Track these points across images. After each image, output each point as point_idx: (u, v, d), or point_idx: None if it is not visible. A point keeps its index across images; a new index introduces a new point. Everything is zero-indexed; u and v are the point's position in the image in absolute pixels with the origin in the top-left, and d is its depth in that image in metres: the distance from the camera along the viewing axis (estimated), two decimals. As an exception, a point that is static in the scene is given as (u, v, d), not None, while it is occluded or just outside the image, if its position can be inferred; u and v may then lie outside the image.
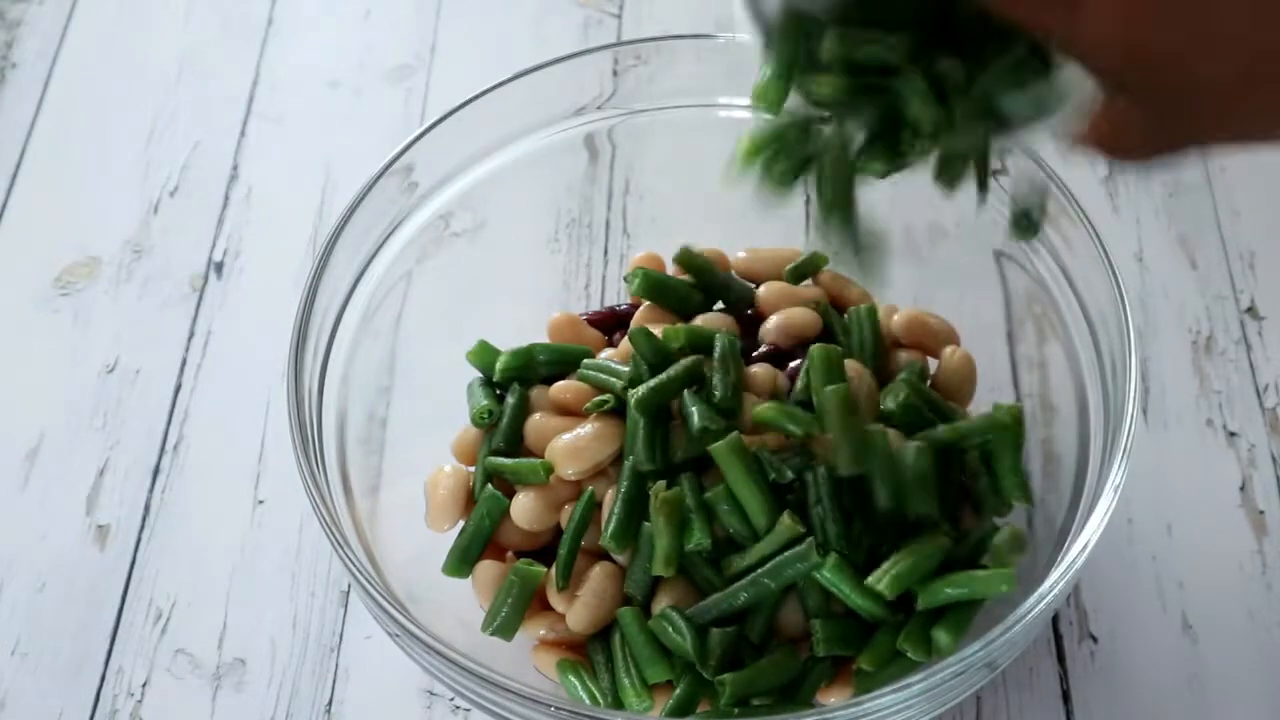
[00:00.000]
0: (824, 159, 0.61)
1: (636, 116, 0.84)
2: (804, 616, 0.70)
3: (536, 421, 0.75)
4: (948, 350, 0.79)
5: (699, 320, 0.79)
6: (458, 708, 0.78)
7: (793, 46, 0.59)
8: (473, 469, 0.77)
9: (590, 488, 0.73)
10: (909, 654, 0.68)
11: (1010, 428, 0.73)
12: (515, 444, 0.76)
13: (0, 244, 0.97)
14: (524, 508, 0.73)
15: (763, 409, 0.71)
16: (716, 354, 0.74)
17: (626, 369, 0.74)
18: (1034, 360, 0.80)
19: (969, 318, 0.82)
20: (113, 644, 0.80)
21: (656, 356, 0.74)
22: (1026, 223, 0.70)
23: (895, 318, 0.80)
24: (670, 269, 0.82)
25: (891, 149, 0.60)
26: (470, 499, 0.76)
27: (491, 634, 0.71)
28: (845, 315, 0.79)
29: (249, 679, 0.79)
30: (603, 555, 0.72)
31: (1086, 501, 0.69)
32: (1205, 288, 0.92)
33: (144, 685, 0.79)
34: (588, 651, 0.72)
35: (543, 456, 0.73)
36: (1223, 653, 0.78)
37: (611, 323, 0.82)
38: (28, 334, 0.92)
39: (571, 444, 0.73)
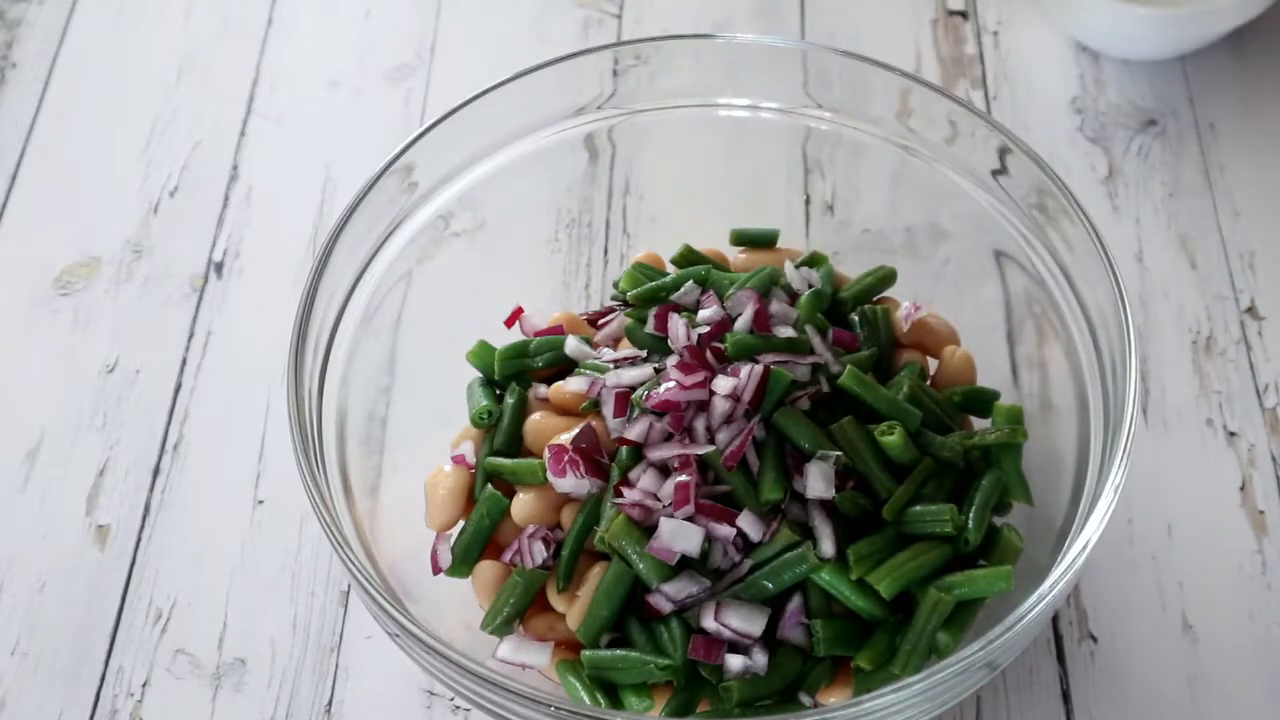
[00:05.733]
0: None
1: (636, 116, 0.84)
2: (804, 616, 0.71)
3: (535, 421, 0.75)
4: (948, 350, 0.79)
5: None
6: (458, 708, 0.78)
7: None
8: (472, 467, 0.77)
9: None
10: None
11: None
12: (515, 444, 0.76)
13: (0, 244, 0.97)
14: (524, 508, 0.73)
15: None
16: None
17: (625, 369, 0.75)
18: (1034, 360, 0.80)
19: (969, 318, 0.82)
20: (113, 644, 0.80)
21: (655, 346, 0.74)
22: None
23: (896, 315, 0.80)
24: (670, 269, 0.82)
25: None
26: (470, 499, 0.76)
27: (492, 633, 0.71)
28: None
29: (249, 679, 0.79)
30: (603, 556, 0.72)
31: (1086, 501, 0.69)
32: (1205, 288, 0.92)
33: (144, 685, 0.79)
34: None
35: (542, 457, 0.73)
36: (1223, 653, 0.78)
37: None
38: (28, 334, 0.92)
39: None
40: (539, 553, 0.72)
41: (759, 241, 0.84)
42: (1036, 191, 0.76)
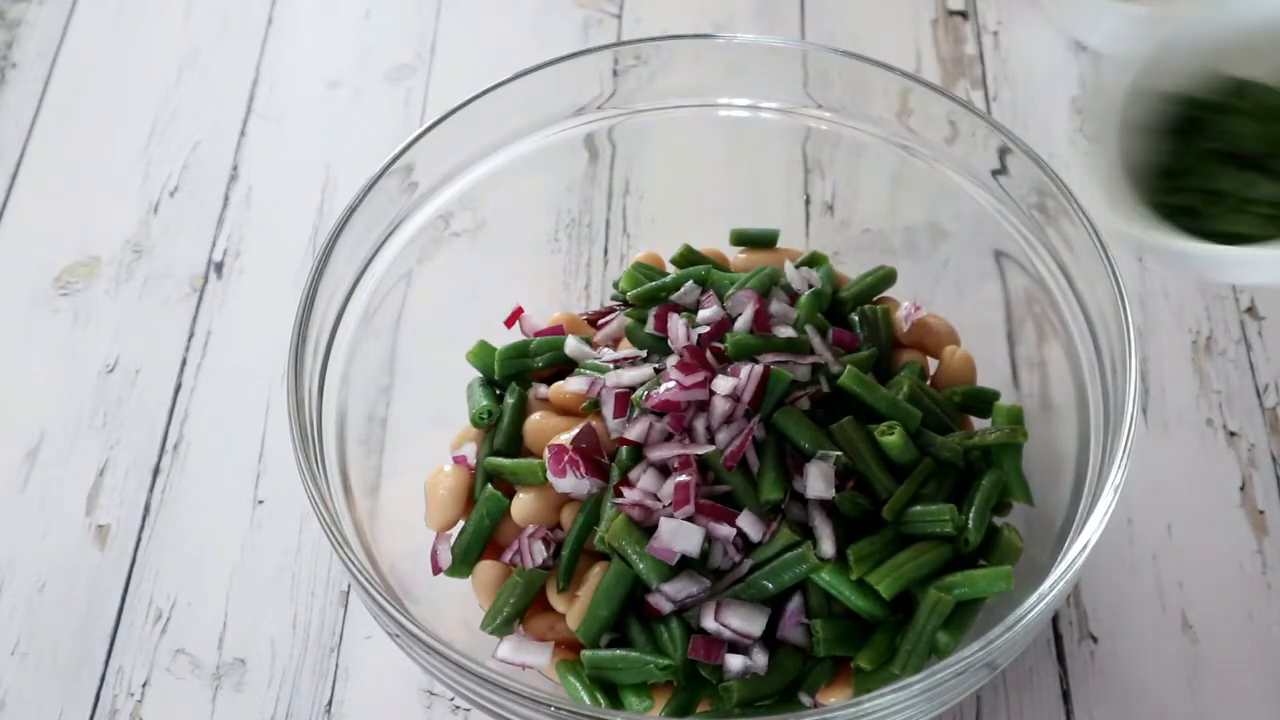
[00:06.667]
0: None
1: (636, 116, 0.84)
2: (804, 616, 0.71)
3: (535, 422, 0.76)
4: (948, 350, 0.79)
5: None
6: (458, 708, 0.78)
7: None
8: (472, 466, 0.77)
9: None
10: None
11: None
12: (515, 444, 0.76)
13: (0, 244, 0.97)
14: (524, 507, 0.73)
15: None
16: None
17: (626, 369, 0.75)
18: (1034, 360, 0.80)
19: (969, 318, 0.82)
20: (113, 644, 0.80)
21: (655, 346, 0.75)
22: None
23: (896, 315, 0.80)
24: (670, 269, 0.82)
25: None
26: (470, 499, 0.76)
27: (492, 633, 0.71)
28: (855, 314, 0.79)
29: (249, 679, 0.79)
30: (603, 556, 0.72)
31: (1086, 501, 0.69)
32: (1205, 288, 0.92)
33: (144, 685, 0.79)
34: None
35: (542, 456, 0.73)
36: (1223, 653, 0.78)
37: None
38: (28, 334, 0.92)
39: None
40: (539, 553, 0.72)
41: (759, 241, 0.84)
42: (1036, 191, 0.76)
